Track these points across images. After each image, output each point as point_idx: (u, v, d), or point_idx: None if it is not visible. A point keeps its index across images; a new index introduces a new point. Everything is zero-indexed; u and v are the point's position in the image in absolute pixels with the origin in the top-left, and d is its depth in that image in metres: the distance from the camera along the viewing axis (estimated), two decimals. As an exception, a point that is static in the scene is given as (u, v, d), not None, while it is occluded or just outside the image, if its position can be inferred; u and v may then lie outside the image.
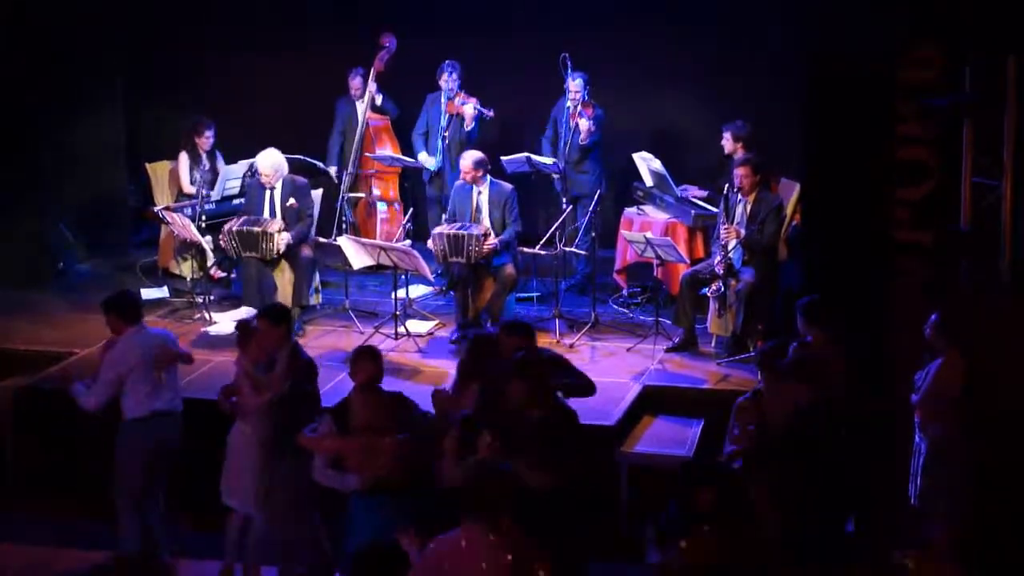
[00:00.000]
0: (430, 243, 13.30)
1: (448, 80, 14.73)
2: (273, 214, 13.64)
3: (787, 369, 9.44)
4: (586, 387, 9.89)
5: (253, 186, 13.95)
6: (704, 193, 13.92)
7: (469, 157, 13.44)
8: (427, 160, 14.95)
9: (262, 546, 9.91)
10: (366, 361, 9.36)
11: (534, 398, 8.97)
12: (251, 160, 14.43)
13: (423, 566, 7.29)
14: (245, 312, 13.18)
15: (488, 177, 13.48)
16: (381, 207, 15.22)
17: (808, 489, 9.05)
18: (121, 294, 10.93)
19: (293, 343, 10.34)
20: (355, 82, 15.21)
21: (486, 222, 13.30)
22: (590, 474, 9.30)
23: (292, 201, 13.63)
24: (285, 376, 9.98)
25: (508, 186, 13.60)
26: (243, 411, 9.98)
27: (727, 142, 13.55)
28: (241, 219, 13.59)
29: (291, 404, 9.87)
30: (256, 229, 13.36)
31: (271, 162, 13.63)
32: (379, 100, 15.22)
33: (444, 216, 13.78)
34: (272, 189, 13.65)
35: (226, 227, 13.52)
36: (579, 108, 14.18)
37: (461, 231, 13.09)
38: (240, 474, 9.96)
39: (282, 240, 13.38)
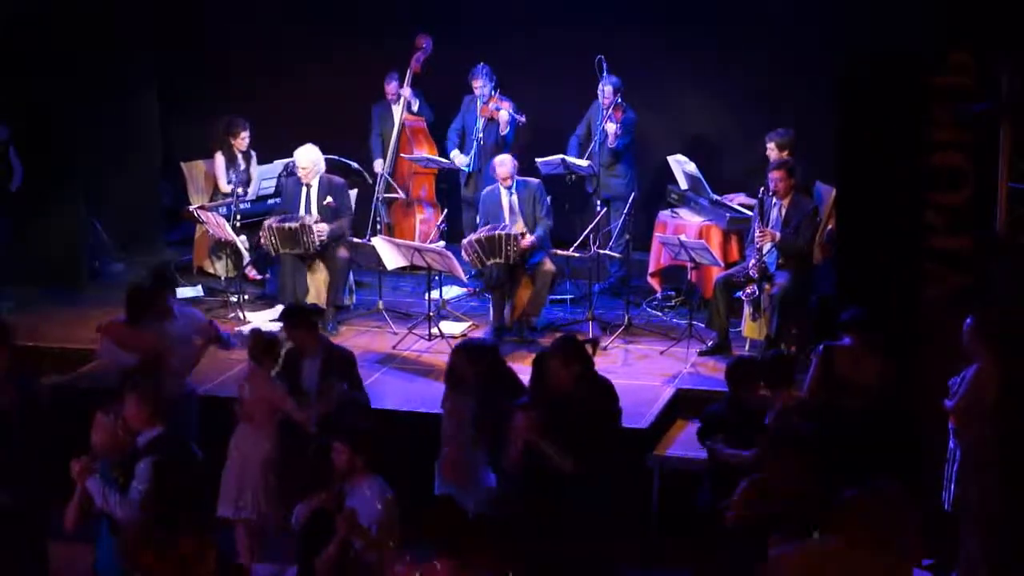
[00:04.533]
0: (463, 253, 13.27)
1: (481, 84, 14.74)
2: (309, 213, 13.68)
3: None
4: None
5: (289, 185, 14.00)
6: (752, 201, 13.80)
7: (507, 162, 13.46)
8: (459, 158, 14.94)
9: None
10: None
11: (578, 379, 9.05)
12: (286, 160, 14.49)
13: None
14: (280, 311, 13.25)
15: (514, 176, 13.52)
16: (420, 208, 15.24)
17: None
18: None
19: (325, 343, 10.41)
20: (391, 86, 15.23)
21: (520, 221, 13.31)
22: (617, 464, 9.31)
23: (329, 199, 13.67)
24: (328, 391, 10.11)
25: (534, 181, 13.64)
26: (250, 415, 10.10)
27: (771, 151, 13.42)
28: (280, 216, 13.64)
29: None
30: (294, 225, 13.39)
31: (309, 156, 13.70)
32: (415, 106, 15.23)
33: (478, 219, 13.78)
34: (309, 187, 13.70)
35: (267, 223, 13.58)
36: (609, 111, 14.16)
37: (496, 232, 13.10)
38: (249, 478, 10.10)
39: (322, 230, 13.41)
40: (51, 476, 10.74)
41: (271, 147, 15.02)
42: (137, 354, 10.59)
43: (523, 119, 14.64)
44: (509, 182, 13.42)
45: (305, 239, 13.39)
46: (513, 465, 9.01)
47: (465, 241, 13.34)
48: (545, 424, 8.88)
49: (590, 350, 9.30)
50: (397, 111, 15.25)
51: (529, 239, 13.11)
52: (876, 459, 9.57)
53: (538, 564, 8.41)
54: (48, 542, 9.52)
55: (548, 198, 13.73)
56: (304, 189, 13.75)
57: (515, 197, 13.43)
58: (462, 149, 15.02)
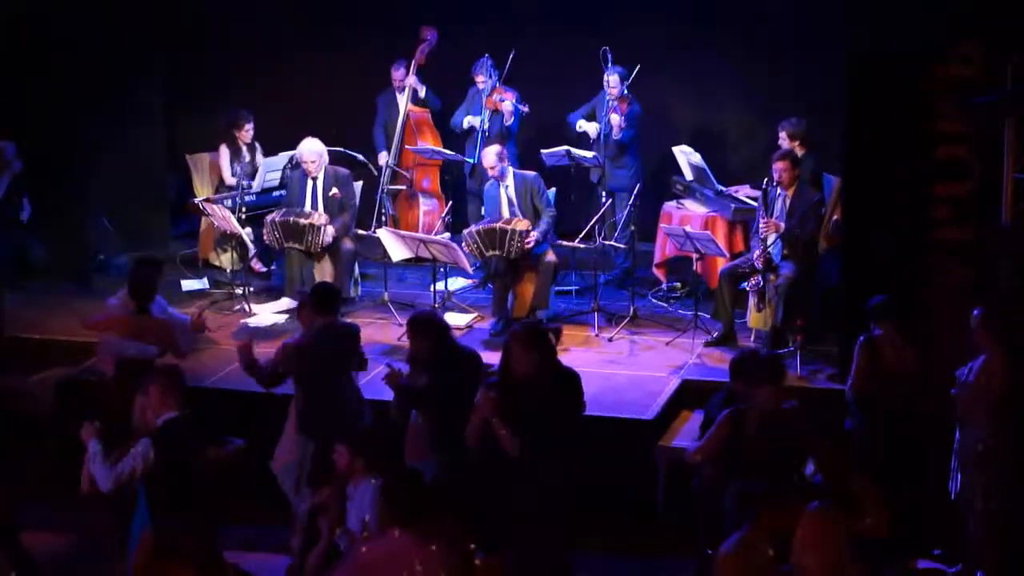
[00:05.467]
0: (464, 243, 13.28)
1: (484, 79, 14.73)
2: (315, 204, 13.70)
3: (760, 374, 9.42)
4: None
5: (295, 177, 14.01)
6: (757, 193, 13.73)
7: (490, 153, 13.43)
8: (473, 120, 14.91)
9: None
10: None
11: (539, 366, 9.10)
12: (291, 152, 14.49)
13: (352, 566, 7.33)
14: (286, 304, 13.28)
15: (510, 169, 13.50)
16: (424, 200, 15.24)
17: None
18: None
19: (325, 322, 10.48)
20: (398, 73, 15.18)
21: (519, 214, 13.31)
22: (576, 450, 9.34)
23: (335, 191, 13.69)
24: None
25: (531, 173, 13.61)
26: None
27: (784, 141, 13.36)
28: (284, 210, 13.65)
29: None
30: (302, 221, 13.41)
31: (314, 149, 13.71)
32: (422, 92, 15.22)
33: (483, 210, 13.79)
34: (315, 179, 13.72)
35: (269, 218, 13.59)
36: (615, 102, 14.16)
37: (497, 224, 13.11)
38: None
39: (328, 234, 13.43)
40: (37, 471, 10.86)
41: (276, 140, 15.00)
42: (154, 342, 10.73)
43: (527, 108, 14.62)
44: (494, 172, 13.39)
45: (311, 238, 13.40)
46: (472, 441, 9.10)
47: (466, 231, 13.36)
48: (501, 406, 8.99)
49: (552, 339, 9.34)
50: (403, 100, 15.24)
51: (534, 235, 13.10)
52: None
53: (492, 538, 8.48)
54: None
55: (552, 190, 13.72)
56: (310, 182, 13.76)
57: (511, 190, 13.43)
58: (467, 136, 15.00)
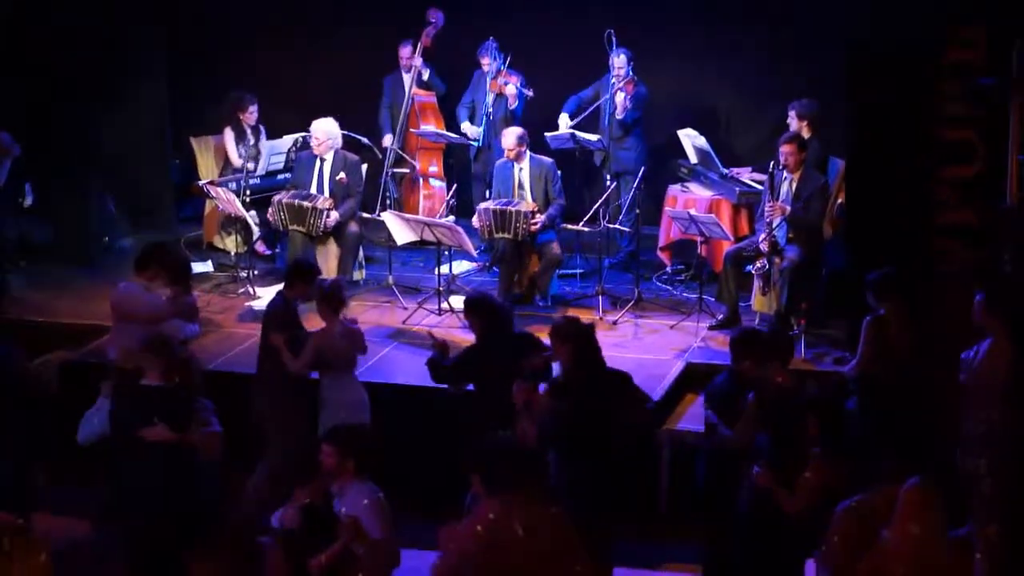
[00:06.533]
0: (475, 219, 13.33)
1: (489, 61, 14.71)
2: (321, 187, 13.68)
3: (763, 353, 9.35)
4: None
5: (302, 159, 14.00)
6: (761, 176, 13.66)
7: (512, 134, 13.43)
8: (470, 129, 14.91)
9: None
10: None
11: (572, 362, 9.09)
12: (296, 135, 14.49)
13: (465, 550, 7.22)
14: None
15: (528, 152, 13.48)
16: (428, 183, 15.22)
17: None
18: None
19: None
20: (405, 51, 15.12)
21: (529, 198, 13.30)
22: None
23: (342, 175, 13.66)
24: None
25: (548, 160, 13.60)
26: None
27: (792, 121, 13.35)
28: (291, 192, 13.64)
29: None
30: (306, 204, 13.41)
31: (324, 128, 13.70)
32: (426, 75, 15.20)
33: (488, 193, 13.79)
34: (323, 162, 13.70)
35: (276, 198, 13.59)
36: (621, 84, 14.14)
37: (509, 207, 13.11)
38: None
39: (331, 219, 13.42)
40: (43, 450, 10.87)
41: (278, 127, 15.01)
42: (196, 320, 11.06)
43: (531, 92, 14.61)
44: (513, 154, 13.39)
45: (312, 221, 13.40)
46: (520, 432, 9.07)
47: (481, 207, 13.36)
48: (534, 397, 9.01)
49: (592, 336, 9.31)
50: (408, 81, 15.20)
51: (540, 219, 13.09)
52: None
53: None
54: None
55: (559, 173, 13.71)
56: (318, 163, 13.75)
57: (526, 173, 13.42)
58: (472, 122, 14.99)
